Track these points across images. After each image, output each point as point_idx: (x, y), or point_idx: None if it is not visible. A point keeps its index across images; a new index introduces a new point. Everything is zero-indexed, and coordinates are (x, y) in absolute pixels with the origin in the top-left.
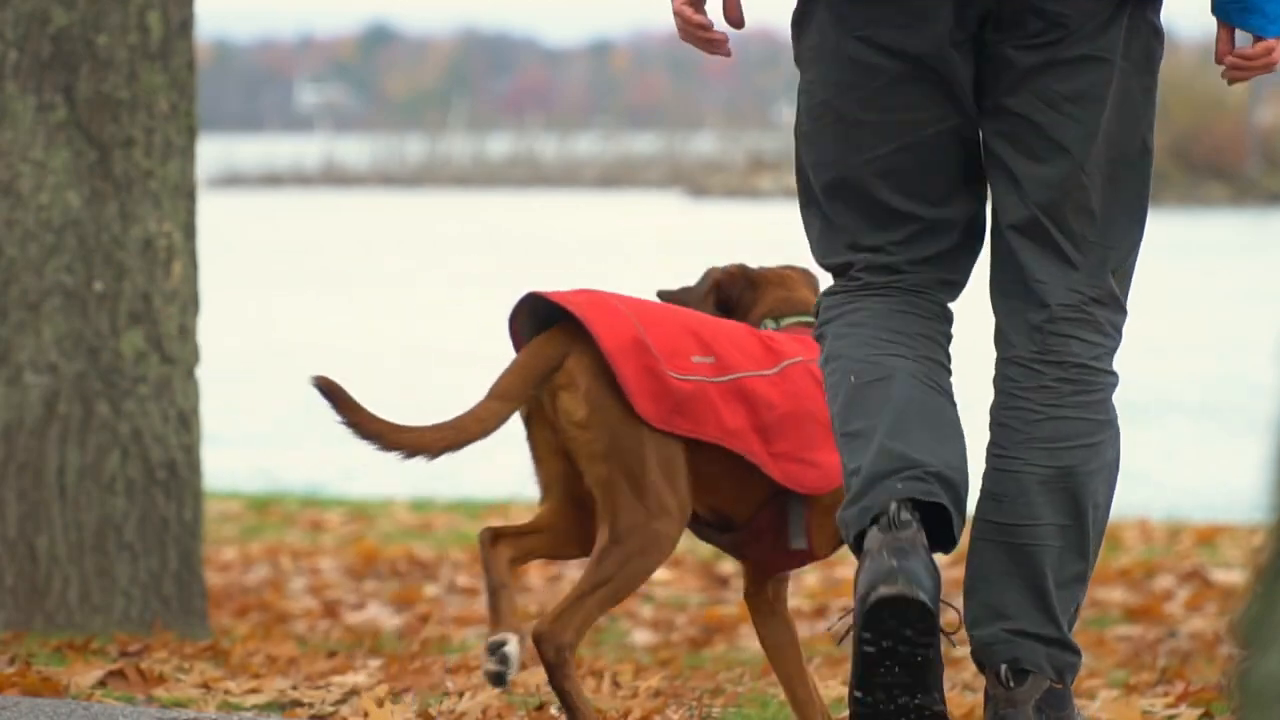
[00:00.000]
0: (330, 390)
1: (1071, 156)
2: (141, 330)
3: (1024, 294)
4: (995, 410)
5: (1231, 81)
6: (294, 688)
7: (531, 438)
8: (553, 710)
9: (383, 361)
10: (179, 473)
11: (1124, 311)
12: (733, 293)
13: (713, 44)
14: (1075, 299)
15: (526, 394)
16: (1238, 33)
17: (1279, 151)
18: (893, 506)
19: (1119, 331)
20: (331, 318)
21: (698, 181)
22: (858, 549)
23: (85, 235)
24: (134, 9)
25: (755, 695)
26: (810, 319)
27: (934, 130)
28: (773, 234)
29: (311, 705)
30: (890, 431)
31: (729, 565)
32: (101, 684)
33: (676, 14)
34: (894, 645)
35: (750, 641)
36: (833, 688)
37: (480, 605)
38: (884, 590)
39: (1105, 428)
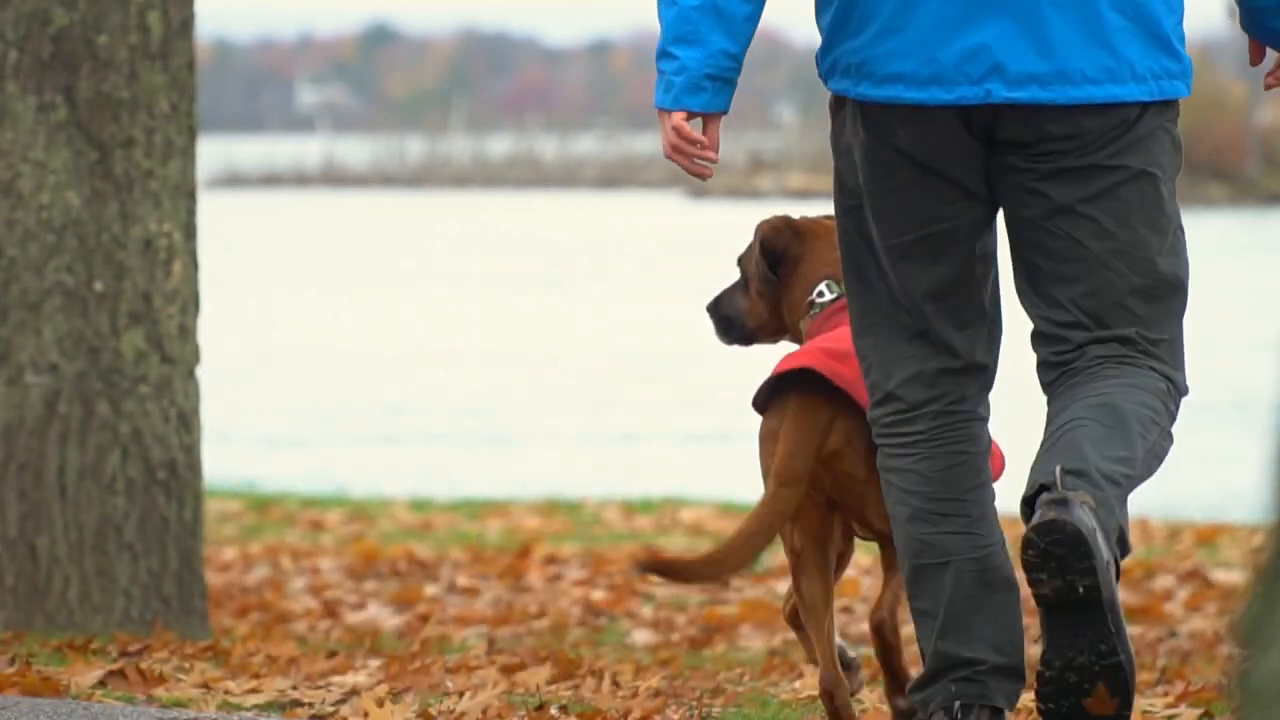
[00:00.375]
0: (653, 566)
1: (1099, 260)
2: (142, 330)
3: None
4: (1050, 412)
5: (1269, 89)
6: (294, 688)
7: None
8: (553, 710)
9: (383, 362)
10: (179, 473)
11: (1186, 390)
12: (779, 245)
13: (701, 162)
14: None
15: (811, 471)
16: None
17: (1279, 151)
18: (954, 706)
19: (1177, 405)
20: (331, 318)
21: (698, 182)
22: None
23: (85, 235)
24: (134, 9)
25: (755, 695)
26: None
27: (949, 224)
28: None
29: (311, 705)
30: (943, 629)
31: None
32: (102, 684)
33: (673, 129)
34: None
35: (750, 641)
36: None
37: (480, 605)
38: None
39: (1152, 394)
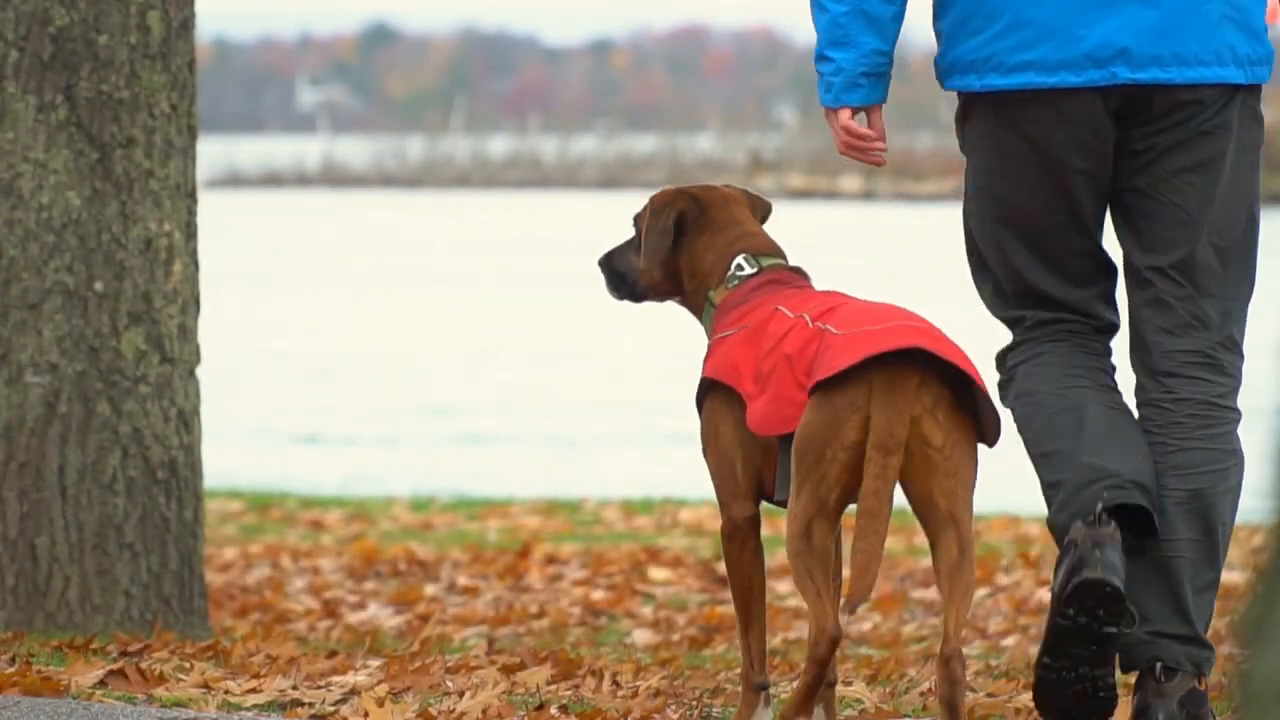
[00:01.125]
0: (859, 598)
1: (1195, 220)
2: (142, 330)
3: (1155, 346)
4: None
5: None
6: (294, 687)
7: (850, 462)
8: (553, 710)
9: (382, 361)
10: (179, 472)
11: (1242, 355)
12: (688, 214)
13: (873, 153)
14: (1202, 344)
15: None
16: None
17: (1279, 151)
18: (1098, 507)
19: (1240, 372)
20: (330, 317)
21: (697, 181)
22: (1063, 545)
23: (86, 235)
24: (134, 9)
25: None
26: (780, 261)
27: (1082, 211)
28: (772, 234)
29: (311, 705)
30: (1090, 450)
31: None
32: (102, 684)
33: (843, 128)
34: (1087, 622)
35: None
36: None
37: (480, 605)
38: (1086, 574)
39: (1230, 456)
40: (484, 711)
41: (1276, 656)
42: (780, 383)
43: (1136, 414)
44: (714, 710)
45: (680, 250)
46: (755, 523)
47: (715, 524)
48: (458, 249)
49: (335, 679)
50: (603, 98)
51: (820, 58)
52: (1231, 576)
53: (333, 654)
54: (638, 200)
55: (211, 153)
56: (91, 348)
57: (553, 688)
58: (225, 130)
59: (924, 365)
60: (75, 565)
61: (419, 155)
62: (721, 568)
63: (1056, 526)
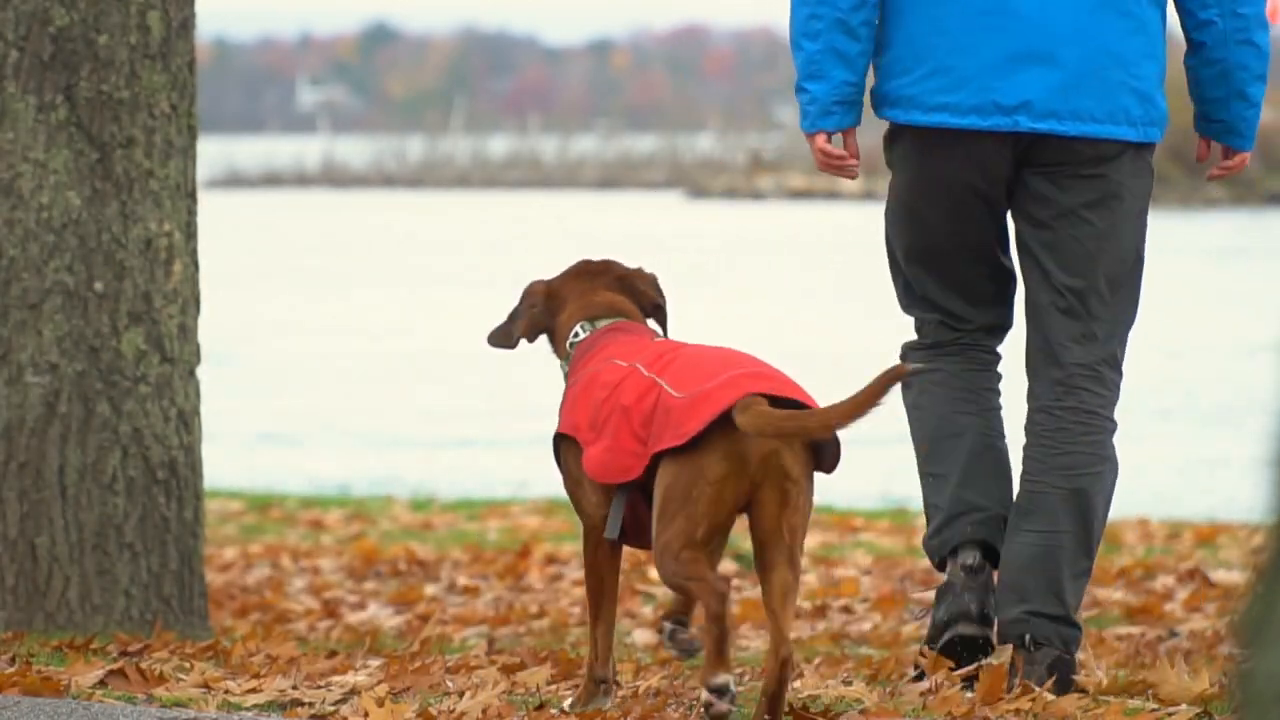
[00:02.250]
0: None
1: (1088, 253)
2: (142, 330)
3: (1048, 358)
4: (1027, 448)
5: (1210, 180)
6: (294, 687)
7: (732, 505)
8: (553, 710)
9: (380, 361)
10: (179, 472)
11: (1121, 374)
12: (542, 306)
13: (847, 170)
14: (1090, 359)
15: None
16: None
17: (1279, 151)
18: (970, 551)
19: (1118, 388)
20: (328, 317)
21: (698, 181)
22: (940, 567)
23: (86, 235)
24: (134, 9)
25: (755, 695)
26: (622, 317)
27: (980, 236)
28: (772, 234)
29: (311, 705)
30: (964, 481)
31: (730, 565)
32: (102, 683)
33: (820, 150)
34: (961, 661)
35: (750, 641)
36: (833, 687)
37: (480, 605)
38: (961, 629)
39: (1105, 462)
40: (484, 711)
41: (1276, 656)
42: (617, 432)
43: (1028, 422)
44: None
45: (549, 330)
46: (617, 554)
47: None
48: (457, 249)
49: (335, 679)
50: (603, 98)
51: (799, 89)
52: (1231, 576)
53: (333, 654)
54: (638, 200)
55: (211, 153)
56: (91, 348)
57: (553, 688)
58: (225, 130)
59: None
60: (75, 565)
61: (419, 155)
62: (721, 567)
63: (929, 549)
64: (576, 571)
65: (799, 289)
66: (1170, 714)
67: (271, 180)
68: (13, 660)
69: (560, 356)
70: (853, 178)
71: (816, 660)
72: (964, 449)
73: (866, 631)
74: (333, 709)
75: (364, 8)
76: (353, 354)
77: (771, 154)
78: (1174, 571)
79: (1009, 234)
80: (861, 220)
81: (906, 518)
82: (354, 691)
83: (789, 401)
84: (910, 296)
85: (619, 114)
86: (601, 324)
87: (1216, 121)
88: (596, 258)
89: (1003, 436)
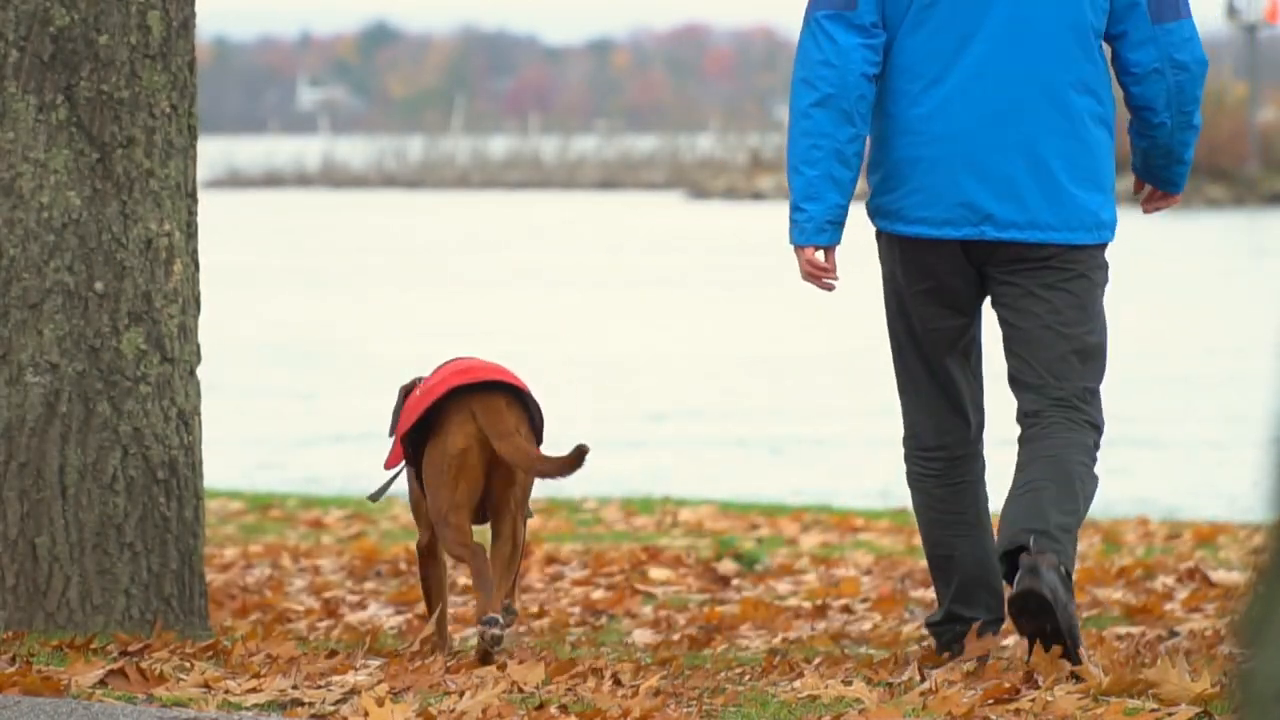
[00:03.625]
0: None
1: (1053, 329)
2: (142, 330)
3: (1040, 388)
4: (1019, 453)
5: (1147, 213)
6: (294, 687)
7: (477, 471)
8: (552, 710)
9: (380, 360)
10: (179, 472)
11: (1100, 429)
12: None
13: (826, 281)
14: (1068, 398)
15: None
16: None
17: (1279, 151)
18: (951, 645)
19: (1100, 428)
20: (329, 316)
21: (698, 182)
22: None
23: (86, 235)
24: (135, 9)
25: (755, 695)
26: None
27: (953, 320)
28: (772, 234)
29: (312, 705)
30: (956, 595)
31: (730, 565)
32: (102, 683)
33: (807, 261)
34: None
35: (751, 641)
36: (833, 687)
37: None
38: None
39: (1084, 451)
40: (484, 711)
41: (1276, 656)
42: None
43: (1019, 422)
44: (714, 709)
45: None
46: (434, 543)
47: (715, 524)
48: (456, 249)
49: (335, 679)
50: (603, 98)
51: (796, 208)
52: (1231, 576)
53: (333, 654)
54: (638, 200)
55: (212, 153)
56: (92, 347)
57: (553, 687)
58: (225, 130)
59: (508, 395)
60: (75, 565)
61: (419, 155)
62: (721, 567)
63: (929, 628)
64: (577, 571)
65: (797, 288)
66: (1170, 714)
67: (272, 180)
68: (13, 660)
69: None
70: (830, 290)
71: (816, 660)
72: (955, 567)
73: (866, 631)
74: (333, 709)
75: (364, 8)
76: (347, 353)
77: (771, 154)
78: (1174, 571)
79: (979, 342)
80: (862, 219)
81: (906, 518)
82: (354, 691)
83: (496, 384)
84: (904, 400)
85: (619, 114)
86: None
87: (1157, 178)
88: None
89: (990, 541)
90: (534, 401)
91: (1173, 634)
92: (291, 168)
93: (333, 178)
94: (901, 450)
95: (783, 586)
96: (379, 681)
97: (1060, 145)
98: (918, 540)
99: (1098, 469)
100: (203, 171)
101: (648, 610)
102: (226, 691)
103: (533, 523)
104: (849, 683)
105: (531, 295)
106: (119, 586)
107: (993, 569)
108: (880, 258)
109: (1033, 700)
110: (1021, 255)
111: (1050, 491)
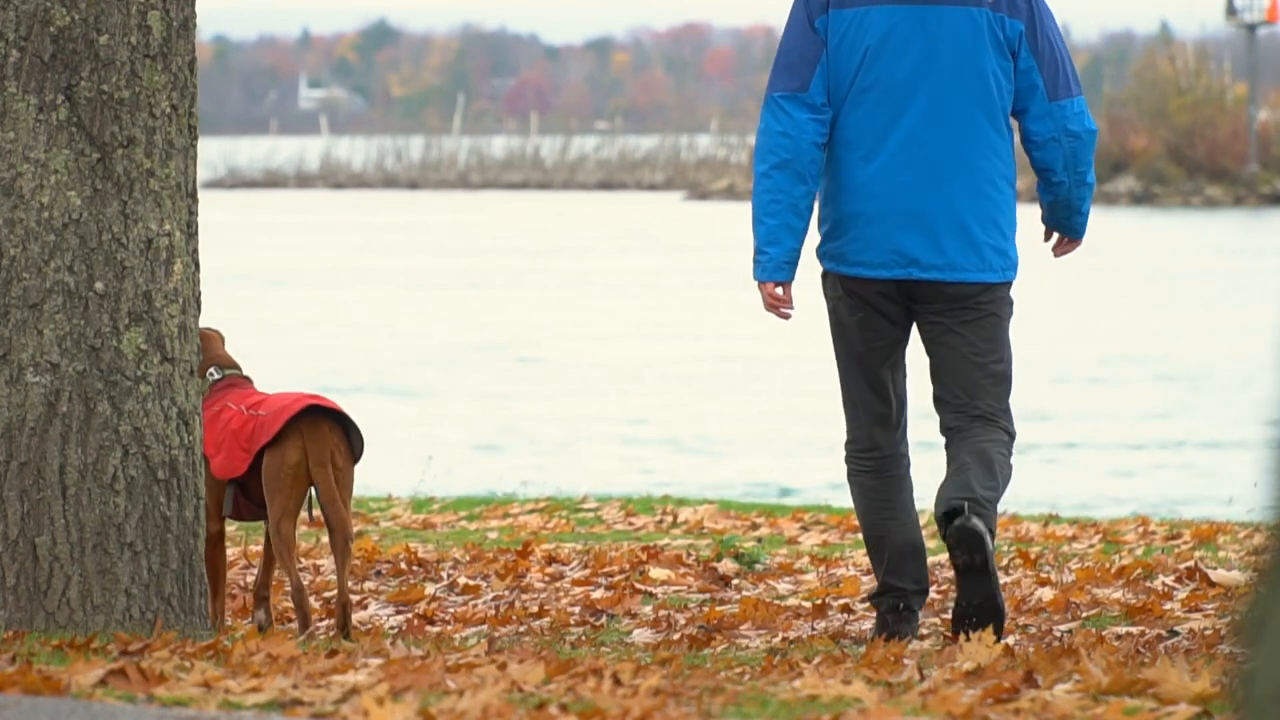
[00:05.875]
0: None
1: (968, 359)
2: (142, 330)
3: (958, 404)
4: (947, 453)
5: (1057, 257)
6: (294, 687)
7: (304, 480)
8: (552, 709)
9: (381, 359)
10: (180, 472)
11: (1012, 437)
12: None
13: (786, 311)
14: (985, 414)
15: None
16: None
17: (1278, 151)
18: (894, 610)
19: (1012, 439)
20: (328, 316)
21: (698, 182)
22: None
23: (86, 235)
24: (135, 9)
25: (755, 694)
26: (233, 371)
27: (885, 343)
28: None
29: (312, 704)
30: (890, 569)
31: (730, 565)
32: (102, 683)
33: (769, 294)
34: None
35: (751, 640)
36: (832, 687)
37: (482, 604)
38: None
39: (1006, 447)
40: (484, 711)
41: (1276, 656)
42: (231, 448)
43: (943, 431)
44: (714, 709)
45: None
46: (222, 532)
47: (714, 524)
48: (456, 249)
49: (335, 678)
50: (603, 98)
51: (759, 250)
52: (1231, 576)
53: (333, 653)
54: (638, 200)
55: (211, 153)
56: (92, 347)
57: (553, 686)
58: (225, 130)
59: (331, 421)
60: (76, 564)
61: (419, 155)
62: (722, 567)
63: (870, 601)
64: (577, 571)
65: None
66: (1170, 714)
67: (272, 180)
68: (13, 659)
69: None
70: (787, 319)
71: (816, 659)
72: (888, 545)
73: (866, 631)
74: (333, 708)
75: (364, 7)
76: (349, 350)
77: None
78: (1174, 571)
79: (904, 364)
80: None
81: None
82: (354, 691)
83: (331, 411)
84: (846, 409)
85: (619, 114)
86: (228, 373)
87: (1060, 226)
88: (207, 327)
89: (916, 526)
90: (355, 431)
91: (1172, 633)
92: (291, 168)
93: (333, 178)
94: (844, 453)
95: (783, 586)
96: (379, 681)
97: (972, 203)
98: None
99: (1013, 461)
100: (203, 171)
101: (648, 610)
102: (227, 691)
103: (533, 522)
104: (849, 682)
105: (680, 297)
106: (119, 586)
107: (918, 546)
108: (825, 294)
109: (1032, 700)
110: (941, 293)
111: (976, 471)
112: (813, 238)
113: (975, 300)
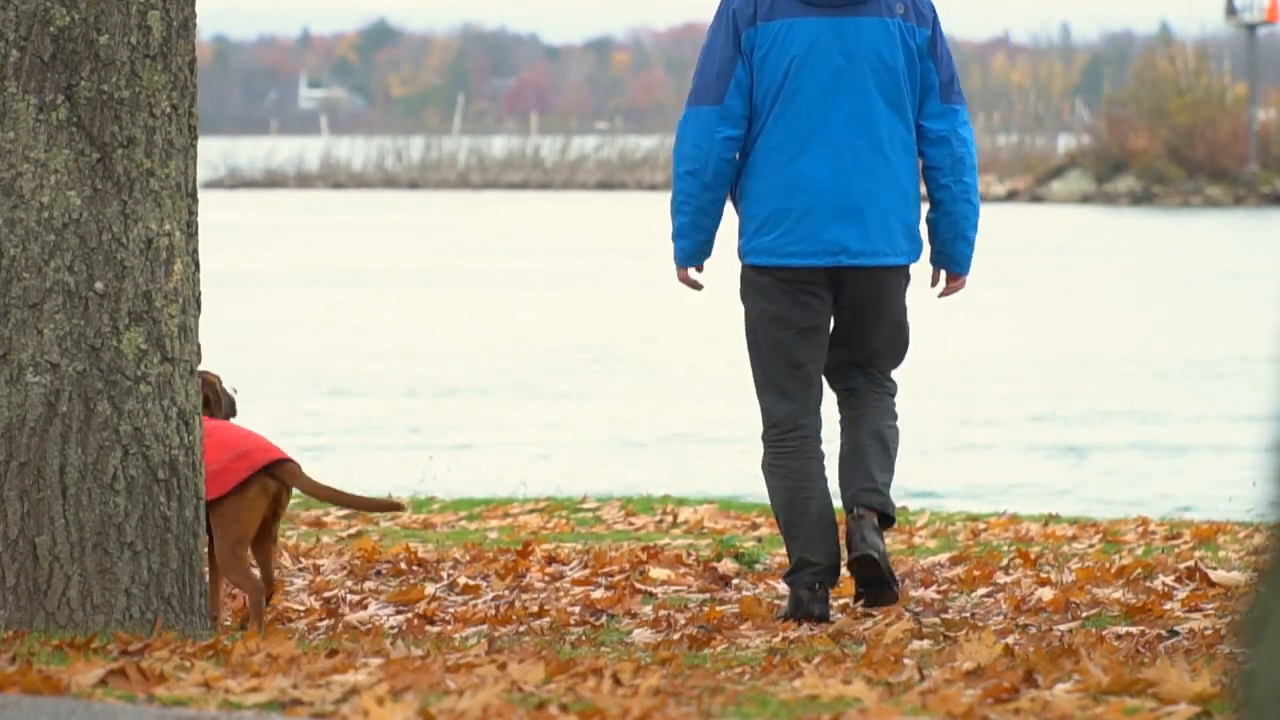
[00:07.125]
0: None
1: (876, 332)
2: (143, 329)
3: (857, 372)
4: (841, 419)
5: (942, 298)
6: (294, 686)
7: (261, 513)
8: (552, 709)
9: (379, 359)
10: (180, 471)
11: (895, 389)
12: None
13: (698, 287)
14: (879, 379)
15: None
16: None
17: (1278, 151)
18: (810, 582)
19: (895, 392)
20: (328, 315)
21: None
22: (789, 584)
23: (86, 235)
24: (135, 9)
25: (755, 694)
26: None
27: (815, 320)
28: None
29: (312, 704)
30: (806, 544)
31: (730, 565)
32: (102, 683)
33: (681, 277)
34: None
35: (751, 640)
36: (832, 687)
37: (482, 604)
38: (811, 613)
39: (893, 418)
40: (484, 710)
41: (1276, 656)
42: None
43: (838, 400)
44: (714, 709)
45: None
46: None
47: (714, 523)
48: (456, 248)
49: (335, 678)
50: (603, 98)
51: (673, 240)
52: (1231, 576)
53: (333, 653)
54: (638, 200)
55: (212, 153)
56: (92, 347)
57: (553, 686)
58: (226, 130)
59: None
60: (76, 564)
61: (419, 155)
62: (721, 567)
63: (786, 581)
64: (577, 571)
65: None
66: (1170, 714)
67: (272, 180)
68: (13, 659)
69: None
70: (699, 290)
71: (816, 659)
72: (808, 519)
73: (866, 631)
74: (333, 708)
75: (364, 7)
76: (348, 350)
77: None
78: (1174, 571)
79: (827, 343)
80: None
81: (905, 517)
82: (354, 690)
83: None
84: (764, 391)
85: (619, 114)
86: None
87: (946, 256)
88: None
89: (829, 501)
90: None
91: (1172, 633)
92: (291, 168)
93: (333, 178)
94: (760, 441)
95: (783, 586)
96: (379, 681)
97: (890, 197)
98: (916, 540)
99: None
100: (203, 171)
101: (648, 610)
102: (227, 691)
103: (533, 522)
104: (849, 682)
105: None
106: (119, 586)
107: (832, 519)
108: (745, 291)
109: (1032, 700)
110: (866, 274)
111: (875, 455)
112: (733, 241)
113: (894, 278)
